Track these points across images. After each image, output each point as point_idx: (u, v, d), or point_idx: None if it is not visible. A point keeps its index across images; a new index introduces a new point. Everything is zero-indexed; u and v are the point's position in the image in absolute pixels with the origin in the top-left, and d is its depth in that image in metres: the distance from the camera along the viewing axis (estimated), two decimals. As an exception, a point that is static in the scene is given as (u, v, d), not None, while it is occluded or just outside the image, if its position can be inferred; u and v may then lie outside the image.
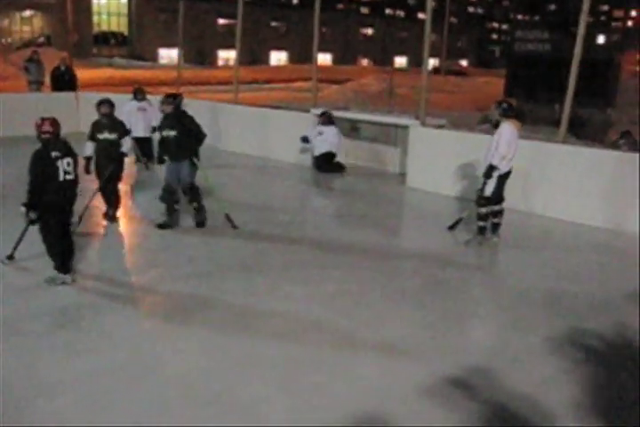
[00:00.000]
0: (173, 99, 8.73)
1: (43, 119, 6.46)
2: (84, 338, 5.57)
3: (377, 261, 7.68)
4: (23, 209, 6.24)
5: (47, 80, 17.32)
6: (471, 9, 78.92)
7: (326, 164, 12.48)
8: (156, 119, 12.12)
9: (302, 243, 8.46)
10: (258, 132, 14.07)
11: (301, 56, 46.42)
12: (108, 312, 6.15)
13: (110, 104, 8.72)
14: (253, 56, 45.88)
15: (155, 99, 12.88)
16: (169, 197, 8.53)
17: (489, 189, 8.05)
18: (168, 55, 48.25)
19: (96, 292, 6.61)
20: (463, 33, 64.51)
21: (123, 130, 8.78)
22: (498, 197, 8.14)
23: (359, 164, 12.94)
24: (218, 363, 5.19)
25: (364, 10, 66.32)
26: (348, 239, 8.51)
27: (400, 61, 59.76)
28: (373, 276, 7.19)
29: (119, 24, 52.79)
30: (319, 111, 12.73)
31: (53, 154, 6.28)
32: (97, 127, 8.66)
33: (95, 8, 51.32)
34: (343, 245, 8.24)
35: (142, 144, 12.37)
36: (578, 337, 5.76)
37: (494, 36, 72.96)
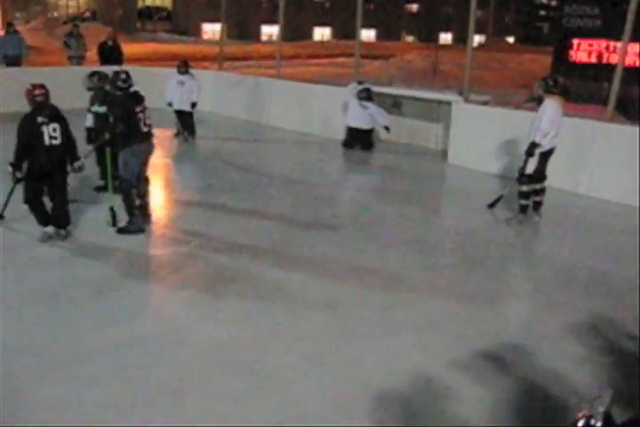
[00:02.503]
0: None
1: (33, 86, 6.74)
2: (121, 307, 5.66)
3: (416, 237, 7.64)
4: (10, 169, 6.62)
5: (90, 55, 17.41)
6: (519, -16, 77.36)
7: (362, 140, 12.26)
8: (197, 93, 12.19)
9: (340, 218, 8.45)
10: (299, 108, 14.03)
11: (345, 32, 46.02)
12: (145, 282, 6.26)
13: (100, 76, 8.59)
14: (297, 31, 45.63)
15: (197, 73, 12.96)
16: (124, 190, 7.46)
17: (531, 167, 7.93)
18: (211, 30, 48.21)
19: (133, 262, 6.71)
20: (510, 9, 63.40)
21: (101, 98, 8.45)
22: (540, 175, 8.02)
23: (400, 140, 12.84)
24: (251, 334, 5.24)
25: (410, -15, 65.44)
26: (387, 215, 8.48)
27: (445, 38, 58.94)
28: (412, 252, 7.16)
29: (163, -1, 52.95)
30: (360, 86, 12.53)
31: (39, 119, 6.56)
32: (91, 100, 8.64)
33: (140, -17, 51.51)
34: (382, 221, 8.22)
35: (182, 117, 12.40)
36: (615, 318, 5.68)
37: (542, 12, 71.40)
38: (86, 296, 5.81)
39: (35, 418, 4.08)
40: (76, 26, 18.01)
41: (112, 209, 7.31)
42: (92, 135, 8.57)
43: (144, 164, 7.38)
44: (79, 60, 17.07)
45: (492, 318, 5.67)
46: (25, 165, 6.66)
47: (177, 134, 12.61)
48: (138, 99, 7.16)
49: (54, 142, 6.63)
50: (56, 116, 6.71)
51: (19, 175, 6.67)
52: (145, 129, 7.13)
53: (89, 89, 8.58)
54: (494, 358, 4.98)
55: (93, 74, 8.62)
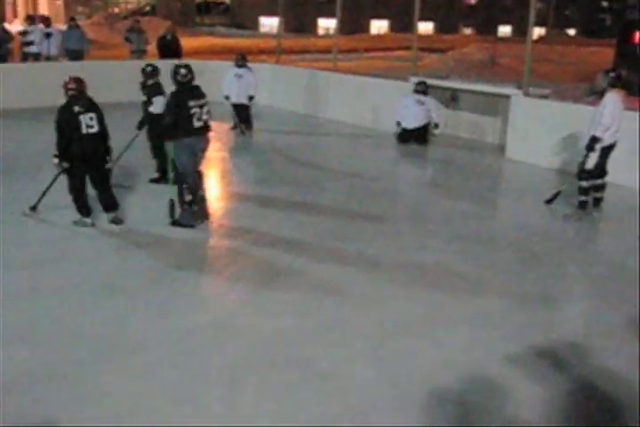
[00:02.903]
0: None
1: (69, 79, 6.95)
2: (176, 298, 5.74)
3: (472, 232, 7.56)
4: (55, 160, 6.85)
5: (151, 49, 17.64)
6: (581, -25, 75.61)
7: (417, 136, 12.13)
8: (254, 87, 12.26)
9: (395, 212, 8.42)
10: (355, 101, 14.00)
11: (402, 25, 45.70)
12: (200, 274, 6.34)
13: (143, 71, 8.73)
14: (354, 25, 45.50)
15: (254, 66, 13.03)
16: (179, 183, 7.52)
17: (591, 162, 7.78)
18: (269, 24, 48.40)
19: (189, 254, 6.80)
20: (572, 1, 62.15)
21: (152, 91, 8.64)
22: (600, 170, 7.86)
23: (457, 134, 12.71)
24: (305, 327, 5.25)
25: (469, -23, 64.60)
26: (443, 210, 8.41)
27: (504, 30, 58.09)
28: (468, 247, 7.09)
29: (222, -7, 53.33)
30: (417, 80, 12.45)
31: (75, 109, 6.79)
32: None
33: (199, -23, 51.97)
34: (438, 216, 8.16)
35: (239, 110, 12.49)
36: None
37: (605, 4, 69.77)
38: (142, 287, 5.91)
39: (93, 405, 4.16)
40: (137, 21, 18.29)
41: (171, 201, 7.39)
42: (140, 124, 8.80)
43: (198, 158, 7.40)
44: (140, 54, 17.30)
45: (549, 316, 5.59)
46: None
47: (234, 127, 12.71)
48: (194, 93, 7.18)
49: (91, 131, 6.86)
50: (91, 105, 6.95)
51: (65, 165, 6.88)
52: (197, 124, 7.10)
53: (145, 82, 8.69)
54: (551, 356, 4.91)
55: (148, 67, 8.73)
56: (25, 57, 17.12)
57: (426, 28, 50.93)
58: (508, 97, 11.37)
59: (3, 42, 16.40)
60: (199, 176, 7.52)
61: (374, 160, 11.26)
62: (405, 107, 12.04)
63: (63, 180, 7.16)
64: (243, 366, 4.67)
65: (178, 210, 7.38)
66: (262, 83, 13.26)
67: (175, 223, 7.33)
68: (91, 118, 6.86)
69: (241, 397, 4.31)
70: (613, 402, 4.37)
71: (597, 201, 8.09)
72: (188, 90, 7.15)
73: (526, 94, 11.04)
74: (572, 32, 59.43)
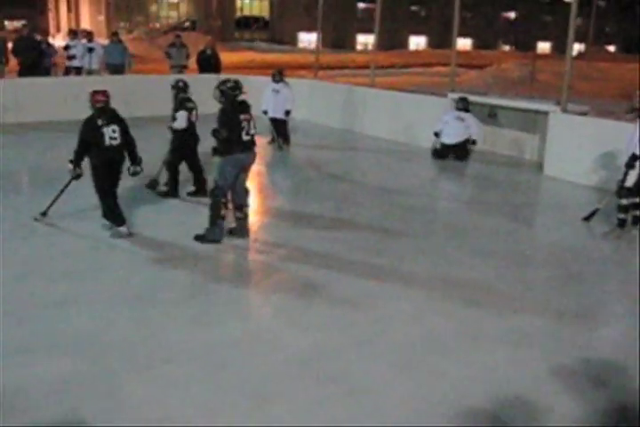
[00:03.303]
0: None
1: (95, 91, 7.19)
2: (210, 310, 5.77)
3: (509, 249, 7.51)
4: (70, 166, 7.19)
5: (191, 63, 17.85)
6: (622, -9, 74.79)
7: (461, 152, 12.11)
8: (291, 102, 12.34)
9: (431, 227, 8.40)
10: (392, 116, 14.01)
11: (441, 41, 45.76)
12: (234, 287, 6.35)
13: (172, 86, 8.87)
14: (392, 41, 45.64)
15: (292, 81, 13.12)
16: (214, 198, 7.30)
17: (631, 180, 7.69)
18: (308, 39, 48.75)
19: (223, 267, 6.86)
20: (612, 16, 61.64)
21: (176, 107, 8.72)
22: (640, 188, 7.76)
23: (495, 150, 12.64)
24: (339, 342, 5.24)
25: (508, -7, 64.33)
26: (480, 226, 8.36)
27: (543, 47, 57.79)
28: (504, 264, 7.03)
29: (261, 8, 53.85)
30: (457, 95, 12.44)
31: (99, 122, 7.04)
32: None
33: (238, -7, 52.58)
34: (474, 232, 8.10)
35: (276, 125, 12.59)
36: None
37: (646, 20, 69.10)
38: (176, 299, 5.95)
39: (124, 416, 4.20)
40: (178, 36, 18.51)
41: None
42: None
43: (244, 173, 7.36)
44: (181, 68, 17.52)
45: (585, 334, 5.51)
46: (86, 164, 7.16)
47: (271, 142, 12.80)
48: (243, 107, 7.19)
49: (114, 143, 7.10)
50: (115, 118, 7.17)
51: (78, 171, 7.22)
52: (246, 138, 7.12)
53: (175, 97, 8.81)
54: (586, 375, 4.85)
55: (178, 82, 8.86)
56: (67, 71, 17.44)
57: (464, 44, 50.93)
58: (546, 113, 11.30)
59: (46, 55, 16.74)
60: (246, 193, 7.46)
61: (410, 176, 11.24)
62: (446, 122, 12.06)
63: (77, 188, 7.41)
64: (275, 379, 4.68)
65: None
66: (300, 98, 13.34)
67: (198, 238, 7.24)
68: (113, 131, 7.07)
69: (272, 411, 4.31)
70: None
71: (636, 219, 7.98)
72: (238, 104, 7.16)
73: (565, 111, 10.96)
74: (611, 48, 58.90)
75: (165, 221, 7.93)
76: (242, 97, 7.20)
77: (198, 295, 6.04)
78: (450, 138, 12.03)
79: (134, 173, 7.46)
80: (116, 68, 16.92)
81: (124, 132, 7.21)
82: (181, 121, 8.53)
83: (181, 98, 8.69)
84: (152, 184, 8.96)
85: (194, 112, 8.63)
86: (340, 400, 4.44)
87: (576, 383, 4.73)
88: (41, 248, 7.08)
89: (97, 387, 4.49)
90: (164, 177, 8.93)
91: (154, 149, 8.86)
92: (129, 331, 5.33)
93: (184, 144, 8.69)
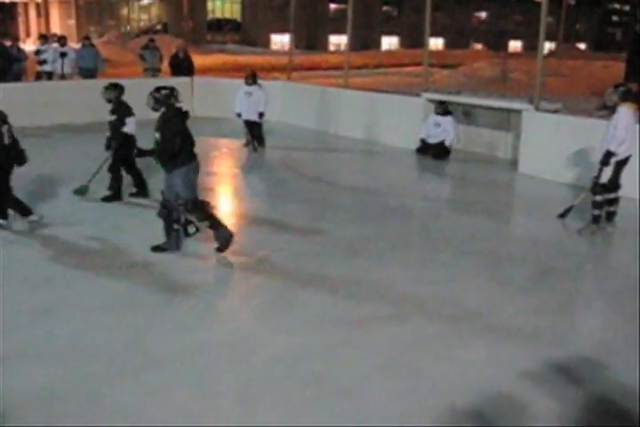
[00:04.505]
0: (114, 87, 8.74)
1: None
2: (192, 314, 5.75)
3: (486, 247, 7.55)
4: None
5: (163, 66, 17.76)
6: (591, -10, 75.45)
7: (439, 151, 12.26)
8: (263, 104, 12.32)
9: (409, 227, 8.43)
10: (367, 117, 14.04)
11: (413, 41, 45.90)
12: (215, 291, 6.37)
13: (113, 88, 8.82)
14: (364, 41, 45.70)
15: (265, 83, 13.09)
16: (166, 214, 7.02)
17: (605, 176, 7.77)
18: (280, 41, 48.70)
19: (203, 271, 6.81)
20: (582, 15, 62.23)
21: (124, 112, 8.70)
22: (614, 184, 7.84)
23: (470, 149, 12.72)
24: (321, 343, 5.25)
25: (478, -7, 64.74)
26: (457, 224, 8.41)
27: (514, 45, 58.24)
28: (481, 261, 7.08)
29: (232, 11, 53.66)
30: (433, 96, 12.53)
31: None
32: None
33: (210, -5, 52.39)
34: (451, 230, 8.14)
35: (251, 127, 12.56)
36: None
37: (615, 18, 69.66)
38: (156, 304, 5.92)
39: (108, 421, 4.17)
40: (152, 40, 18.42)
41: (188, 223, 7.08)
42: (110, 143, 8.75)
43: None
44: (155, 72, 17.43)
45: (564, 331, 5.57)
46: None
47: (246, 144, 12.76)
48: (186, 115, 6.93)
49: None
50: (4, 119, 7.47)
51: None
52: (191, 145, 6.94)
53: (108, 101, 8.76)
54: (566, 372, 4.89)
55: (110, 86, 8.82)
56: (39, 76, 17.29)
57: (436, 43, 51.14)
58: (519, 112, 11.38)
59: (17, 61, 16.57)
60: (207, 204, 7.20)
61: (385, 176, 11.28)
62: (427, 124, 12.44)
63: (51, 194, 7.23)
64: (258, 382, 4.67)
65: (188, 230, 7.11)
66: (274, 99, 13.32)
67: (156, 249, 7.06)
68: (8, 130, 7.39)
69: (256, 414, 4.30)
70: (629, 417, 4.33)
71: (611, 215, 8.07)
72: (181, 112, 6.88)
73: (538, 109, 11.05)
74: (582, 46, 59.49)
75: (139, 227, 7.86)
76: (179, 105, 6.92)
77: (178, 300, 6.01)
78: (429, 138, 12.39)
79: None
80: (89, 72, 16.80)
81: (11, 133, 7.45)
82: (132, 126, 8.62)
83: (123, 102, 8.73)
84: (81, 190, 8.93)
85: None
86: (325, 401, 4.45)
87: (555, 380, 4.77)
88: (19, 255, 6.99)
89: (79, 394, 4.46)
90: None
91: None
92: (110, 336, 5.29)
93: (126, 147, 8.72)
